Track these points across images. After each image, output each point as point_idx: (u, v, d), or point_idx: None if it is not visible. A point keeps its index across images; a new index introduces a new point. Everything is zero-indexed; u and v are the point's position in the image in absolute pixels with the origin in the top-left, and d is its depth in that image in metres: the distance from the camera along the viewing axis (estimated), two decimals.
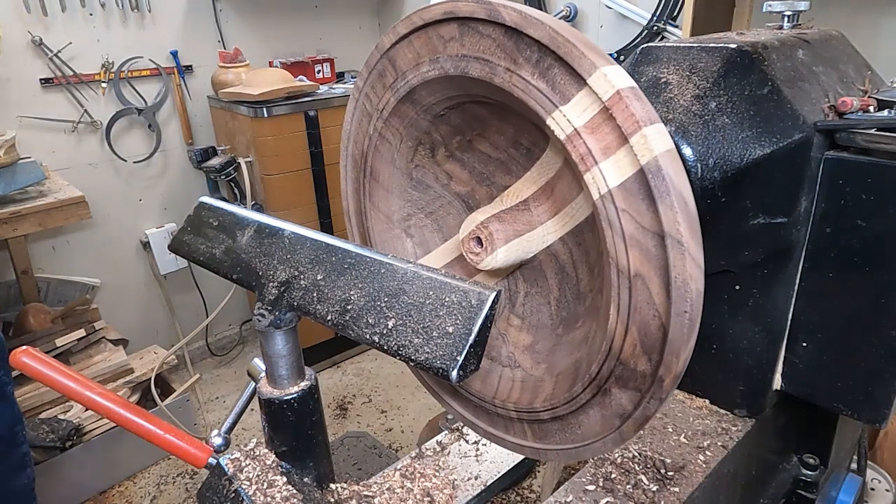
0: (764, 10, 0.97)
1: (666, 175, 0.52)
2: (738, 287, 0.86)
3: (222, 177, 2.99)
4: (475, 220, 0.74)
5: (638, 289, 0.56)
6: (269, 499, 0.67)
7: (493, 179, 0.83)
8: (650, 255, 0.55)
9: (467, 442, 1.04)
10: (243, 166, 2.93)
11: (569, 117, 0.57)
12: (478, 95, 0.71)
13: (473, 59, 0.64)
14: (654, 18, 2.42)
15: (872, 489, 1.74)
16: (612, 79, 0.54)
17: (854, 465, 1.36)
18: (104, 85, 2.87)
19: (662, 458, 0.88)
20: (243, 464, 0.71)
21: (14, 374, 2.37)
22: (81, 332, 2.57)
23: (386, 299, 0.56)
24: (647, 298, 0.56)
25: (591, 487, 0.84)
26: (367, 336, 0.56)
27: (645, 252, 0.55)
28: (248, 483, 0.69)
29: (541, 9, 2.76)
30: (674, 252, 0.52)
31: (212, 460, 0.74)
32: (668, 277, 0.53)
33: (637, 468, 0.87)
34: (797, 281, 0.83)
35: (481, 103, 0.75)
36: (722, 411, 0.97)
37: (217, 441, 0.76)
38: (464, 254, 0.75)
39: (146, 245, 3.15)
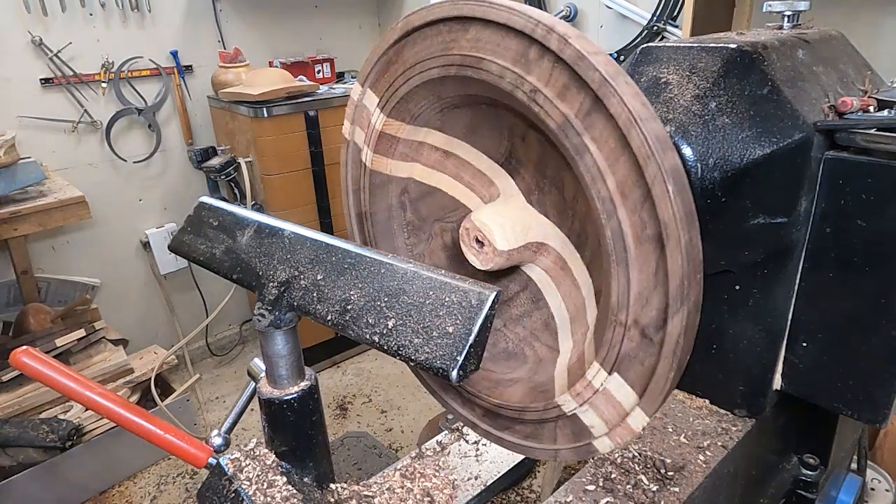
0: (764, 10, 0.97)
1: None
2: (738, 287, 0.86)
3: (222, 177, 2.99)
4: (486, 226, 0.74)
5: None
6: (269, 499, 0.67)
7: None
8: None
9: (467, 442, 1.04)
10: (243, 166, 2.93)
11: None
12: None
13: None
14: (654, 18, 2.42)
15: (872, 489, 1.74)
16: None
17: (854, 465, 1.36)
18: (104, 85, 2.87)
19: (662, 458, 0.88)
20: (243, 464, 0.71)
21: (14, 374, 2.38)
22: (81, 332, 2.57)
23: (386, 299, 0.56)
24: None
25: (591, 487, 0.84)
26: (367, 336, 0.56)
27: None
28: (248, 483, 0.69)
29: (541, 9, 2.76)
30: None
31: (212, 460, 0.74)
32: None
33: (637, 468, 0.87)
34: (797, 281, 0.83)
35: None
36: (722, 411, 0.97)
37: (217, 441, 0.76)
38: (467, 256, 0.75)
39: (146, 245, 3.15)
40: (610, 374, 0.64)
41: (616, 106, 0.55)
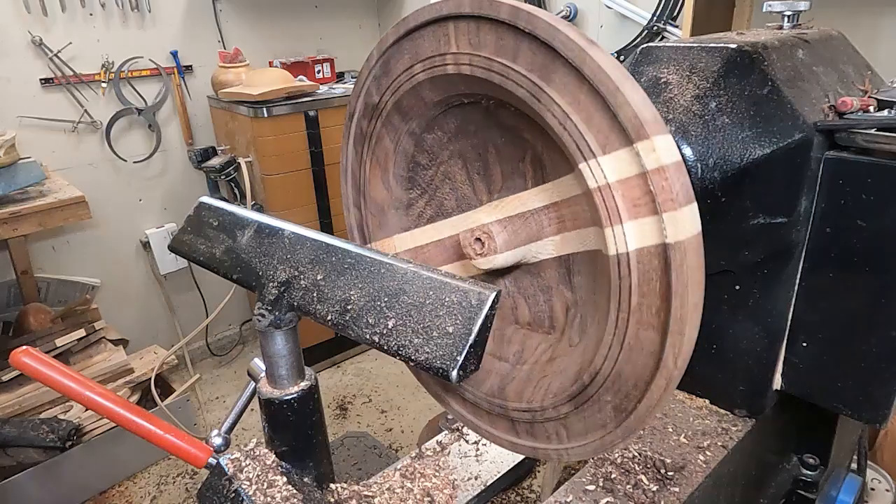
0: (764, 10, 0.97)
1: (687, 265, 0.52)
2: (738, 287, 0.86)
3: (222, 177, 2.99)
4: (477, 219, 0.73)
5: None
6: (269, 499, 0.67)
7: (490, 177, 0.82)
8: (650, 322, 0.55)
9: (467, 442, 1.04)
10: (243, 166, 2.93)
11: (605, 170, 0.55)
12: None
13: (516, 74, 0.61)
14: (654, 18, 2.42)
15: (872, 489, 1.74)
16: (661, 153, 0.52)
17: (854, 465, 1.36)
18: (104, 85, 2.87)
19: (662, 458, 0.88)
20: (243, 464, 0.71)
21: (14, 374, 2.38)
22: (81, 332, 2.57)
23: (386, 299, 0.56)
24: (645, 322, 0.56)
25: (591, 487, 0.84)
26: (367, 336, 0.56)
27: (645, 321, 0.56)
28: (248, 483, 0.69)
29: (541, 7, 2.76)
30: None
31: (212, 460, 0.74)
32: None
33: (637, 468, 0.87)
34: (797, 281, 0.83)
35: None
36: (722, 411, 0.97)
37: (217, 441, 0.76)
38: (465, 251, 0.75)
39: (146, 245, 3.15)
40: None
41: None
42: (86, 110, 2.85)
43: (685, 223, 0.52)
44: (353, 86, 0.81)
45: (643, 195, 0.53)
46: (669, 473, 0.85)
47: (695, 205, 0.52)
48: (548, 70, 0.57)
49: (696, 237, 0.52)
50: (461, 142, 0.82)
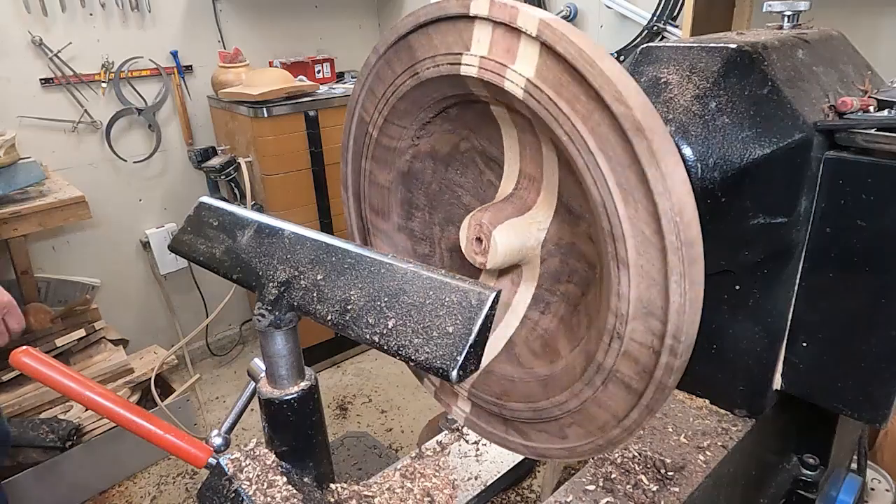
0: (764, 10, 0.97)
1: (560, 31, 0.55)
2: (738, 287, 0.86)
3: (222, 177, 2.99)
4: (468, 219, 0.74)
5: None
6: (269, 499, 0.67)
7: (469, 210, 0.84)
8: (594, 121, 0.56)
9: (467, 442, 1.04)
10: (243, 166, 2.93)
11: (473, 52, 0.62)
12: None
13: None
14: (654, 18, 2.42)
15: (872, 489, 1.74)
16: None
17: (854, 465, 1.36)
18: (104, 85, 2.87)
19: (662, 458, 0.88)
20: (243, 464, 0.71)
21: (14, 374, 2.38)
22: (81, 332, 2.57)
23: (386, 299, 0.56)
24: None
25: (591, 487, 0.84)
26: (367, 336, 0.56)
27: (588, 120, 0.56)
28: (248, 483, 0.69)
29: (541, 8, 2.76)
30: (610, 99, 0.53)
31: (212, 460, 0.74)
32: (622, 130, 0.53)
33: (637, 468, 0.87)
34: (797, 281, 0.83)
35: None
36: (722, 411, 0.97)
37: (217, 441, 0.76)
38: (468, 257, 0.75)
39: (146, 245, 3.15)
40: (467, 399, 0.77)
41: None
42: (86, 110, 2.85)
43: (536, 12, 0.56)
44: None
45: (504, 36, 0.60)
46: (669, 473, 0.85)
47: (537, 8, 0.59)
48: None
49: (555, 17, 0.57)
50: (438, 207, 0.86)
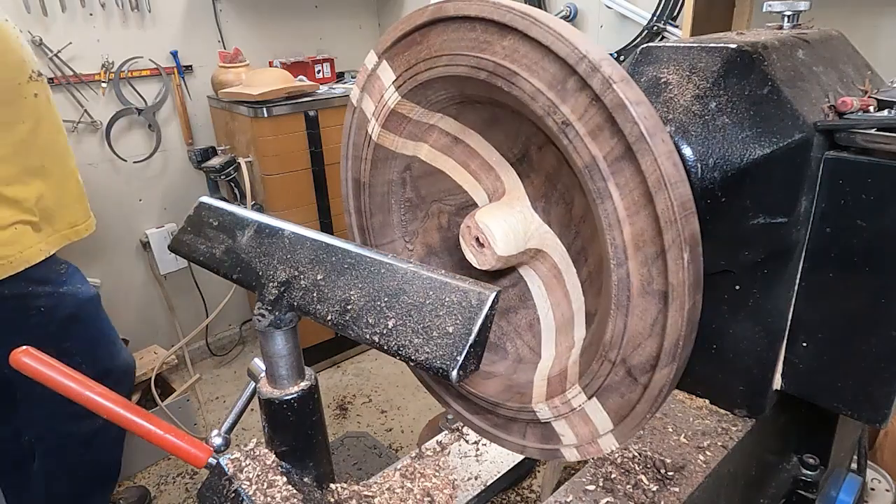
0: (764, 10, 0.97)
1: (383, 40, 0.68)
2: (738, 287, 0.86)
3: (222, 177, 2.99)
4: (474, 219, 0.74)
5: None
6: (269, 499, 0.67)
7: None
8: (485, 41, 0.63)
9: (467, 442, 1.04)
10: (243, 166, 2.93)
11: (370, 117, 0.76)
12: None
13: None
14: (654, 18, 2.42)
15: (872, 489, 1.74)
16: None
17: (854, 465, 1.36)
18: (104, 85, 2.87)
19: (662, 458, 0.88)
20: (243, 464, 0.71)
21: None
22: None
23: (386, 299, 0.56)
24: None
25: (591, 487, 0.84)
26: (367, 336, 0.56)
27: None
28: (248, 483, 0.69)
29: (541, 8, 2.76)
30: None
31: (212, 460, 0.74)
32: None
33: (637, 468, 0.87)
34: (797, 281, 0.83)
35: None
36: (722, 411, 0.97)
37: (217, 441, 0.76)
38: (465, 254, 0.75)
39: (146, 245, 3.15)
40: (589, 398, 0.66)
41: (649, 165, 0.53)
42: (86, 110, 2.85)
43: (371, 53, 0.75)
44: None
45: (375, 84, 0.77)
46: (669, 473, 0.85)
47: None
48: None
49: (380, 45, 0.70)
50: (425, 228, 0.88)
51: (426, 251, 0.87)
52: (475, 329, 0.50)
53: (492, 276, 0.84)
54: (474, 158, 0.82)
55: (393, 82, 0.74)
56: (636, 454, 0.89)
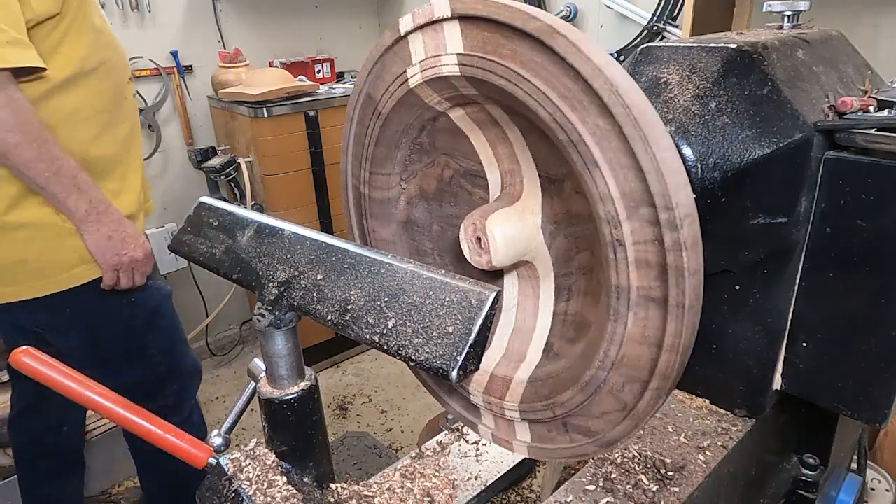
0: (764, 10, 0.97)
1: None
2: (738, 287, 0.86)
3: (222, 177, 2.99)
4: (483, 222, 0.73)
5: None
6: (269, 499, 0.67)
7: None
8: (521, 54, 0.58)
9: (467, 442, 1.04)
10: (243, 166, 2.93)
11: (414, 63, 0.67)
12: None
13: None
14: (654, 18, 2.42)
15: (872, 489, 1.74)
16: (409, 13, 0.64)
17: (854, 465, 1.36)
18: None
19: (662, 458, 0.88)
20: (243, 464, 0.71)
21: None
22: None
23: (386, 299, 0.56)
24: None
25: (591, 487, 0.84)
26: (367, 336, 0.56)
27: (516, 57, 0.57)
28: (248, 483, 0.69)
29: (541, 8, 2.76)
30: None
31: (212, 460, 0.74)
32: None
33: (637, 468, 0.87)
34: (797, 281, 0.83)
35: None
36: (722, 411, 0.97)
37: (217, 441, 0.76)
38: (473, 263, 0.75)
39: None
40: (521, 420, 0.73)
41: (674, 325, 0.55)
42: None
43: (445, 1, 0.62)
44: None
45: (431, 34, 0.66)
46: (669, 473, 0.85)
47: None
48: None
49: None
50: (445, 245, 0.87)
51: (418, 193, 0.85)
52: (475, 329, 0.50)
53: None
54: (505, 146, 0.77)
55: (458, 54, 0.63)
56: (636, 454, 0.89)
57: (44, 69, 1.33)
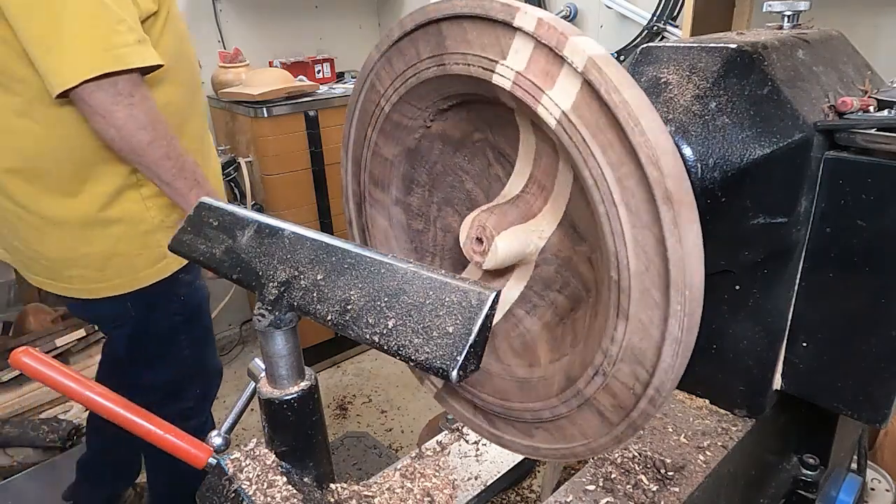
0: (764, 10, 0.97)
1: (607, 75, 0.52)
2: (738, 287, 0.86)
3: (222, 177, 2.99)
4: (471, 218, 0.74)
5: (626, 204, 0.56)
6: (269, 499, 0.67)
7: (474, 201, 0.84)
8: (622, 172, 0.55)
9: (467, 442, 1.04)
10: (243, 166, 2.93)
11: (509, 64, 0.59)
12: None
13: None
14: (654, 18, 2.42)
15: (872, 489, 1.74)
16: (531, 11, 0.56)
17: (854, 465, 1.36)
18: None
19: (662, 458, 0.88)
20: (243, 464, 0.71)
21: (14, 374, 2.39)
22: (81, 332, 2.57)
23: (386, 299, 0.56)
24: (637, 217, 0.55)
25: (591, 487, 0.84)
26: (367, 336, 0.56)
27: (617, 169, 0.55)
28: (248, 483, 0.69)
29: (541, 8, 2.76)
30: (641, 150, 0.52)
31: (212, 460, 0.74)
32: (643, 173, 0.53)
33: (637, 468, 0.87)
34: (797, 281, 0.83)
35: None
36: (722, 411, 0.97)
37: (217, 441, 0.76)
38: (466, 254, 0.75)
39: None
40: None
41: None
42: None
43: (585, 46, 0.54)
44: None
45: (546, 59, 0.57)
46: (669, 473, 0.85)
47: (585, 36, 0.55)
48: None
49: (604, 55, 0.54)
50: (439, 187, 0.85)
51: (439, 134, 0.80)
52: (475, 329, 0.50)
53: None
54: (549, 163, 0.74)
55: (562, 111, 0.57)
56: (636, 454, 0.89)
57: (161, 66, 1.32)
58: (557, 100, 0.56)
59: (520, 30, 0.57)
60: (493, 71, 0.61)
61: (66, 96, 1.21)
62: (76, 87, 1.18)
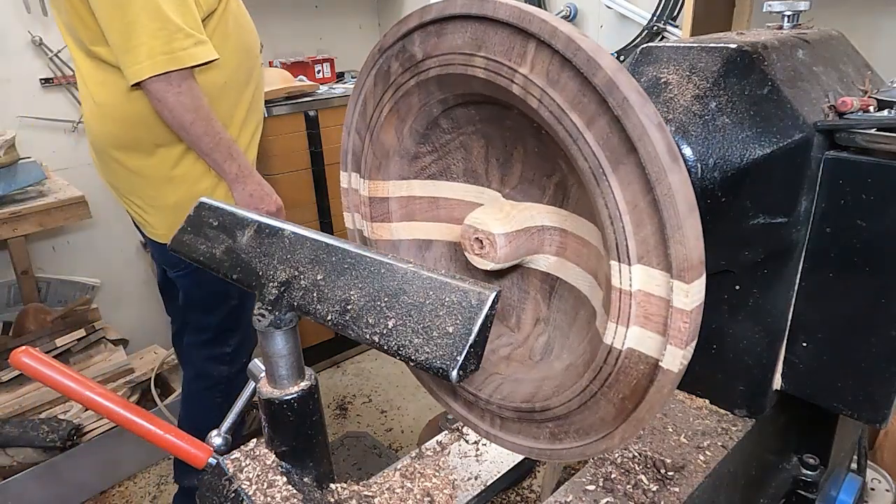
0: (764, 10, 0.97)
1: (665, 388, 0.56)
2: (738, 287, 0.86)
3: None
4: (480, 221, 0.72)
5: None
6: (269, 499, 0.67)
7: (509, 170, 0.80)
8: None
9: (467, 442, 1.04)
10: None
11: (633, 277, 0.55)
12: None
13: (584, 143, 0.56)
14: (654, 18, 2.42)
15: (872, 489, 1.74)
16: (692, 297, 0.53)
17: (854, 465, 1.36)
18: None
19: (662, 458, 0.88)
20: (243, 464, 0.71)
21: (14, 374, 2.39)
22: (81, 333, 2.57)
23: (386, 299, 0.56)
24: None
25: (591, 487, 0.84)
26: (367, 336, 0.56)
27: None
28: (248, 483, 0.69)
29: (541, 7, 2.76)
30: None
31: (212, 460, 0.74)
32: None
33: (637, 468, 0.87)
34: (797, 281, 0.83)
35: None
36: (722, 411, 0.97)
37: (217, 441, 0.76)
38: (462, 243, 0.74)
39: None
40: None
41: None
42: None
43: (679, 358, 0.55)
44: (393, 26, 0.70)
45: (658, 316, 0.55)
46: (669, 473, 0.85)
47: (693, 344, 0.55)
48: (618, 158, 0.53)
49: (680, 373, 0.55)
50: (492, 126, 0.77)
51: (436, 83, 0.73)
52: (475, 329, 0.50)
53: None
54: (459, 208, 0.79)
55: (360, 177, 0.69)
56: (636, 454, 0.89)
57: (216, 59, 1.62)
58: (629, 339, 0.58)
59: (671, 287, 0.54)
60: (512, 75, 0.59)
61: (138, 87, 1.58)
62: (142, 81, 1.54)
